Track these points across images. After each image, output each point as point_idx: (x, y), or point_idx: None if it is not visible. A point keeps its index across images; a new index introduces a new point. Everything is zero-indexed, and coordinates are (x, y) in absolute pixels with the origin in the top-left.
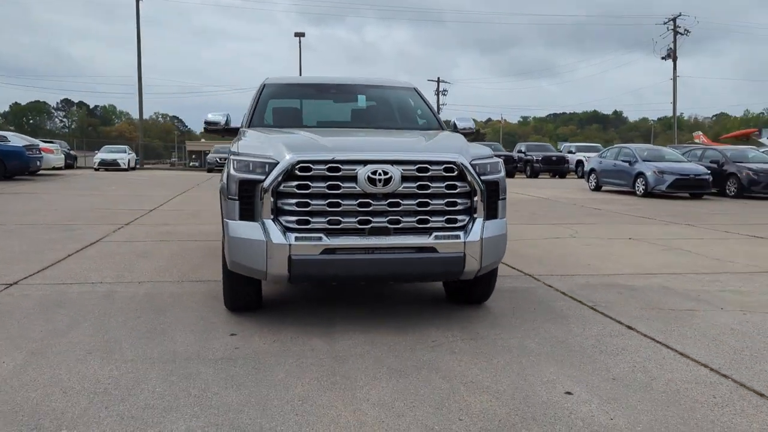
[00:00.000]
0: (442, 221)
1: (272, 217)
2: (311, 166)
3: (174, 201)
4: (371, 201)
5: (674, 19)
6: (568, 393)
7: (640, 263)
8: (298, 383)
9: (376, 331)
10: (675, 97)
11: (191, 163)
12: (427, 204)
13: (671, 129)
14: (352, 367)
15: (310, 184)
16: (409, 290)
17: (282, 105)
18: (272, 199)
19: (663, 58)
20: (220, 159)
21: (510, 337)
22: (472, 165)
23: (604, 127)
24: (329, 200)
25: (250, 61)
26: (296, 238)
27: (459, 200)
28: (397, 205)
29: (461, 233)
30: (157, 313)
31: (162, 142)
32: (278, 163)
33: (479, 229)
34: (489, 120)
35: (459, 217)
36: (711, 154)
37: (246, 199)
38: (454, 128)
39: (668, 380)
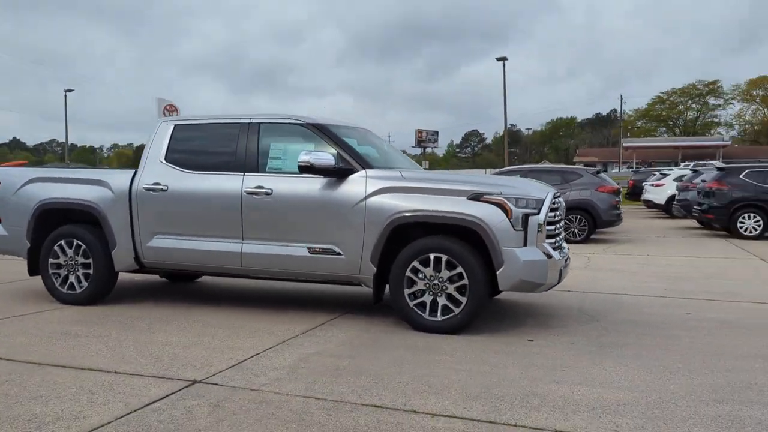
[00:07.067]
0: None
1: (545, 241)
2: (555, 199)
3: None
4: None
5: None
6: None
7: None
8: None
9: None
10: None
11: None
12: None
13: None
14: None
15: (555, 213)
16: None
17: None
18: (546, 227)
19: None
20: None
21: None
22: None
23: None
24: (556, 225)
25: None
26: (559, 255)
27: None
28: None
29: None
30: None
31: None
32: (544, 199)
33: None
34: None
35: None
36: None
37: (525, 229)
38: None
39: None
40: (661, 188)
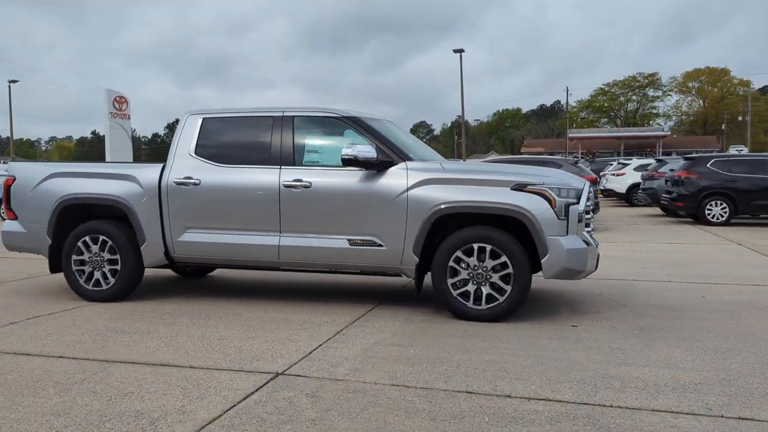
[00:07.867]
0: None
1: (584, 230)
2: (589, 189)
3: None
4: None
5: None
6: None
7: None
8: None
9: (610, 315)
10: None
11: None
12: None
13: None
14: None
15: (589, 203)
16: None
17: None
18: (583, 216)
19: None
20: None
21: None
22: None
23: None
24: (590, 213)
25: None
26: (594, 243)
27: None
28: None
29: None
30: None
31: None
32: (582, 188)
33: None
34: None
35: None
36: None
37: (567, 218)
38: None
39: None
40: (622, 177)
